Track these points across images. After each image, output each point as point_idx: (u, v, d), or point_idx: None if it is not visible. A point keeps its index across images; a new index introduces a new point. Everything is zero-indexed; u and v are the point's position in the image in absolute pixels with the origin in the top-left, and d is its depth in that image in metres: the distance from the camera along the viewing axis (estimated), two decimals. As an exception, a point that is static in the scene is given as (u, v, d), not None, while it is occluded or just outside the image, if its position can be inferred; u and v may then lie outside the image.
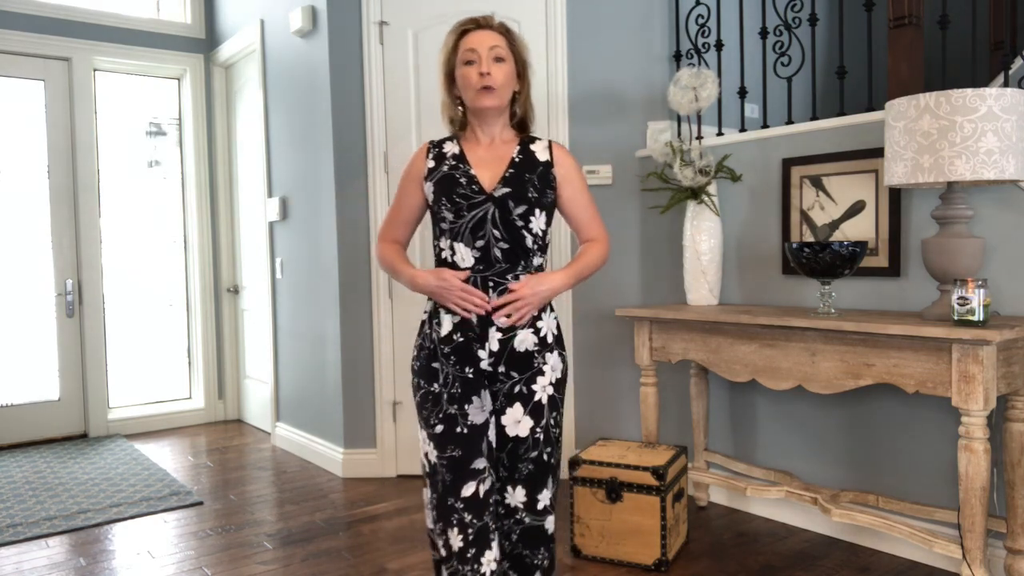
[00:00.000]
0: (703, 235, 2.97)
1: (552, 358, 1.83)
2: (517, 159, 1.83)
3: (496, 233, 1.76)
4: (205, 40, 5.15)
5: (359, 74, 3.70)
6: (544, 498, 1.86)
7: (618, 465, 2.66)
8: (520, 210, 1.77)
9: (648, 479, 2.61)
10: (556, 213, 1.90)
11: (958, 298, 2.09)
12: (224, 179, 5.17)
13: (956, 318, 2.09)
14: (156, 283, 5.11)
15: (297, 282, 4.20)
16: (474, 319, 1.77)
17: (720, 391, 3.24)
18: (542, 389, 1.82)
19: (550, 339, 1.83)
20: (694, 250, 2.98)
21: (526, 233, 1.78)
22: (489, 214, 1.75)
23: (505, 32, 1.82)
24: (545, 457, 1.85)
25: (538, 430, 1.82)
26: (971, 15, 2.88)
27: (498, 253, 1.76)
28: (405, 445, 3.75)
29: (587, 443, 3.62)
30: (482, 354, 1.78)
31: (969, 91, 2.08)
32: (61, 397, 4.70)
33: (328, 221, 3.83)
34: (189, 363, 5.25)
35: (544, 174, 1.82)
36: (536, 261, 1.82)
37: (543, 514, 1.87)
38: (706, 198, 2.96)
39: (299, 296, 4.19)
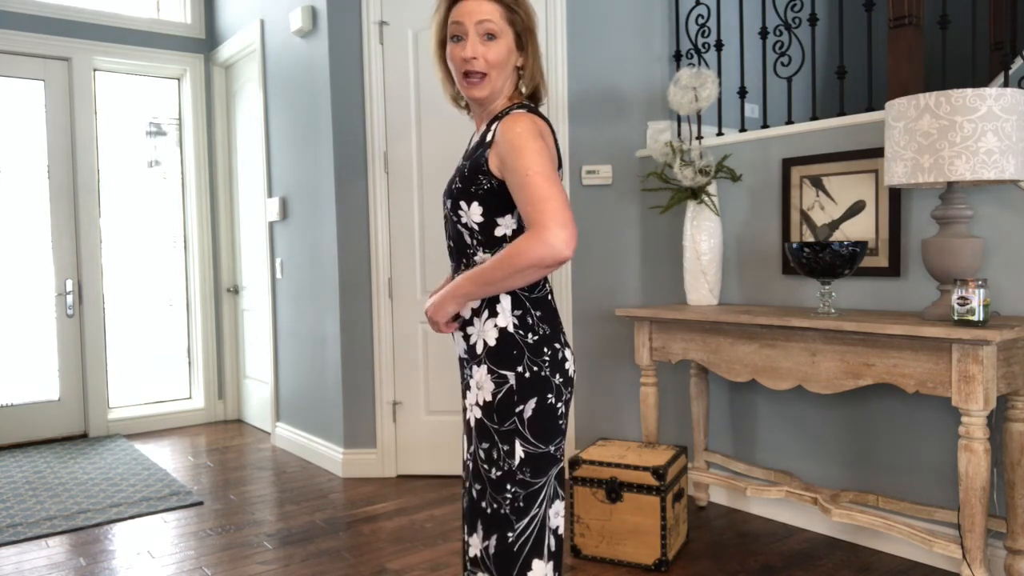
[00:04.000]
0: (703, 235, 2.97)
1: (479, 373, 1.51)
2: (474, 142, 1.59)
3: (447, 231, 1.62)
4: (205, 40, 5.15)
5: (359, 74, 3.70)
6: (475, 544, 1.54)
7: (618, 465, 2.66)
8: (449, 204, 1.57)
9: (648, 479, 2.61)
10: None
11: (958, 298, 2.09)
12: (224, 179, 5.17)
13: (956, 318, 2.09)
14: (156, 283, 5.11)
15: (297, 282, 4.21)
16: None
17: (720, 391, 3.24)
18: (470, 407, 1.55)
19: (479, 349, 1.52)
20: (694, 250, 2.98)
21: (462, 229, 1.55)
22: (444, 211, 1.63)
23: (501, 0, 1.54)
24: (474, 493, 1.54)
25: (468, 455, 1.57)
26: (971, 15, 2.89)
27: (450, 251, 1.62)
28: (405, 445, 3.75)
29: (587, 443, 3.62)
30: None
31: (969, 91, 2.08)
32: (61, 397, 4.70)
33: (328, 221, 3.83)
34: (189, 363, 5.25)
35: (478, 158, 1.51)
36: (480, 258, 1.53)
37: (474, 565, 1.54)
38: (706, 198, 2.96)
39: (299, 296, 4.19)
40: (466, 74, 1.52)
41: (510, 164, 1.42)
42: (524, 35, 1.56)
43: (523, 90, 1.60)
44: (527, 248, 1.36)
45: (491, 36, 1.51)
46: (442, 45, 1.60)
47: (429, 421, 3.73)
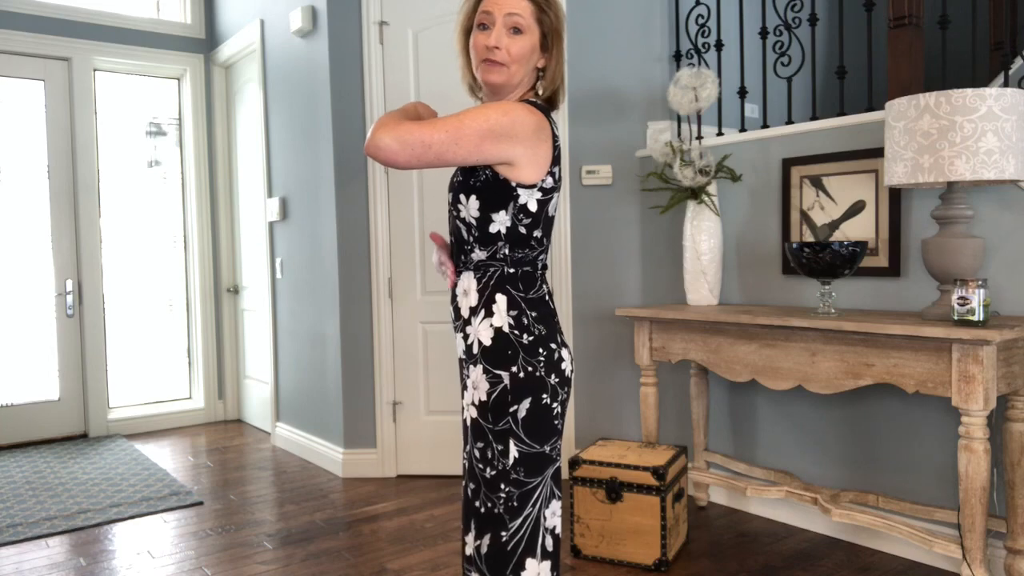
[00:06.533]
0: (703, 235, 2.97)
1: (475, 373, 1.52)
2: None
3: (450, 225, 1.61)
4: (205, 40, 5.15)
5: (359, 74, 3.70)
6: (469, 543, 1.55)
7: (618, 465, 2.66)
8: (450, 198, 1.57)
9: (648, 479, 2.61)
10: (527, 203, 1.50)
11: (958, 298, 2.09)
12: (224, 179, 5.17)
13: (956, 318, 2.09)
14: (156, 283, 5.11)
15: (297, 282, 4.21)
16: (451, 310, 1.62)
17: (720, 391, 3.24)
18: (467, 407, 1.56)
19: (476, 348, 1.52)
20: (694, 250, 2.98)
21: (460, 224, 1.54)
22: (448, 205, 1.62)
23: None
24: (469, 492, 1.55)
25: (465, 454, 1.58)
26: (971, 15, 2.89)
27: (453, 248, 1.61)
28: (405, 445, 3.75)
29: (587, 443, 3.62)
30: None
31: (969, 91, 2.08)
32: (61, 397, 4.70)
33: (328, 221, 3.83)
34: (189, 363, 5.25)
35: None
36: (477, 256, 1.53)
37: (469, 562, 1.55)
38: (706, 198, 2.96)
39: (299, 296, 4.19)
40: (485, 61, 1.53)
41: (471, 107, 1.45)
42: (551, 36, 1.55)
43: (539, 91, 1.59)
44: (380, 123, 1.40)
45: (517, 30, 1.51)
46: (466, 33, 1.59)
47: (429, 421, 3.73)
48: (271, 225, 4.49)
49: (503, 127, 1.42)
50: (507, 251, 1.51)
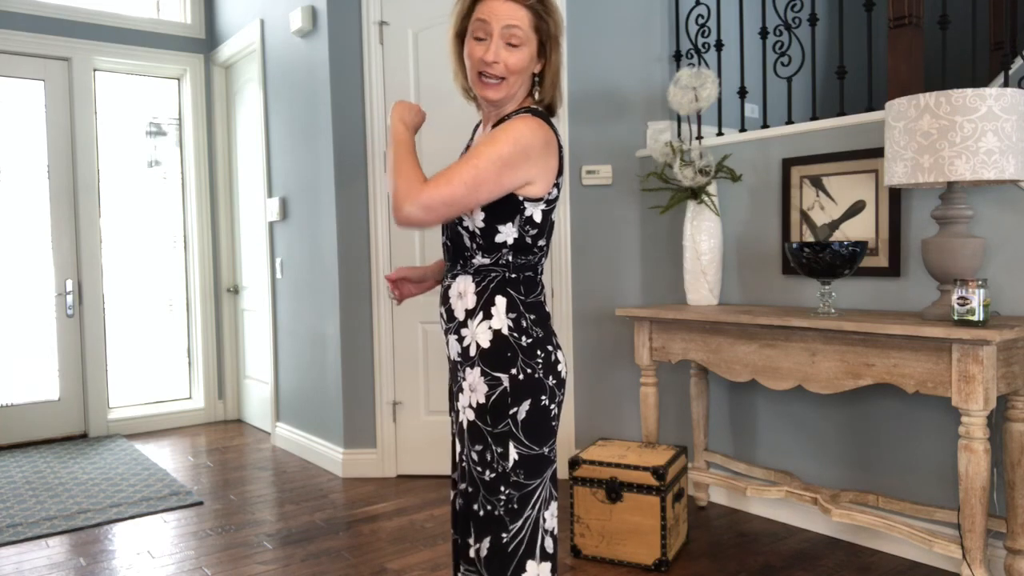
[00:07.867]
0: (703, 235, 2.97)
1: (472, 375, 1.50)
2: (478, 137, 1.59)
3: (444, 229, 1.58)
4: (205, 40, 5.15)
5: (359, 74, 3.70)
6: (474, 546, 1.55)
7: (618, 465, 2.66)
8: None
9: (648, 479, 2.61)
10: (530, 211, 1.49)
11: (958, 298, 2.09)
12: (224, 179, 5.17)
13: (956, 318, 2.09)
14: (156, 283, 5.11)
15: (297, 282, 4.21)
16: (442, 312, 1.60)
17: (720, 391, 3.24)
18: (463, 410, 1.53)
19: (473, 351, 1.50)
20: (694, 250, 2.98)
21: (462, 231, 1.52)
22: None
23: (532, 5, 1.47)
24: (466, 497, 1.55)
25: (463, 457, 1.55)
26: (971, 15, 2.89)
27: (446, 250, 1.59)
28: (405, 445, 3.75)
29: (587, 443, 3.62)
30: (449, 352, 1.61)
31: (969, 91, 2.08)
32: (61, 397, 4.70)
33: (328, 221, 3.83)
34: (189, 363, 5.25)
35: None
36: (478, 261, 1.51)
37: (472, 564, 1.56)
38: (706, 198, 2.96)
39: (299, 296, 4.19)
40: (481, 74, 1.50)
41: (480, 143, 1.42)
42: (548, 43, 1.52)
43: (536, 96, 1.57)
44: (400, 192, 1.39)
45: (515, 44, 1.47)
46: (459, 36, 1.55)
47: (429, 421, 3.73)
48: (271, 225, 4.49)
49: (516, 157, 1.42)
50: (510, 258, 1.51)
